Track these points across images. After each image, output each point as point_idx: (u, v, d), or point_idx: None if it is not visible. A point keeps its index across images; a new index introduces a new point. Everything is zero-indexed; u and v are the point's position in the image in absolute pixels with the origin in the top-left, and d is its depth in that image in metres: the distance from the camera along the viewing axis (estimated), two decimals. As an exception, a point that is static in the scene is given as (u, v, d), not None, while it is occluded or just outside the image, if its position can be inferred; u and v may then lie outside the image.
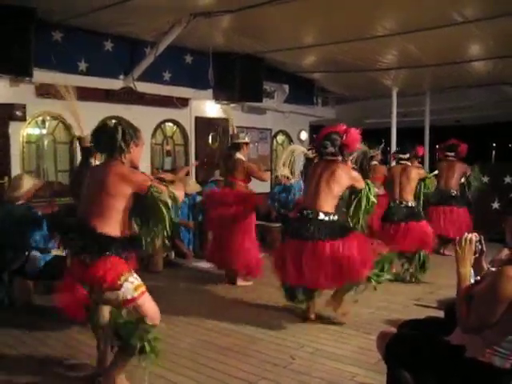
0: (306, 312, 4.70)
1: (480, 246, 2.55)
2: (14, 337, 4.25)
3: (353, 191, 4.62)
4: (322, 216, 4.37)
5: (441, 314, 3.27)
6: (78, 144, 4.92)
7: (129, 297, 3.00)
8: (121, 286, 2.98)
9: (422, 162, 7.93)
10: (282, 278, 4.58)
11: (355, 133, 4.55)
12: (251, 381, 3.45)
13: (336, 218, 4.45)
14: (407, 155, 6.34)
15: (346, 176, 4.46)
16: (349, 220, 4.64)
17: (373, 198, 4.60)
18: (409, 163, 6.30)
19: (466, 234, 2.55)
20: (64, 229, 3.23)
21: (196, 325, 4.53)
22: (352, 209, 4.63)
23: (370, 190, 4.60)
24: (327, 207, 4.41)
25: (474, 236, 2.53)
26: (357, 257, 4.24)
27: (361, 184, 4.55)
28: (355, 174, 4.57)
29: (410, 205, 6.13)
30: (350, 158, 4.68)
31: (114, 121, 3.46)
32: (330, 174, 4.43)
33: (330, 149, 4.52)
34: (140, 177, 3.16)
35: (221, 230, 5.97)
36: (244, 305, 5.25)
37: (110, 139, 3.11)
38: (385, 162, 8.24)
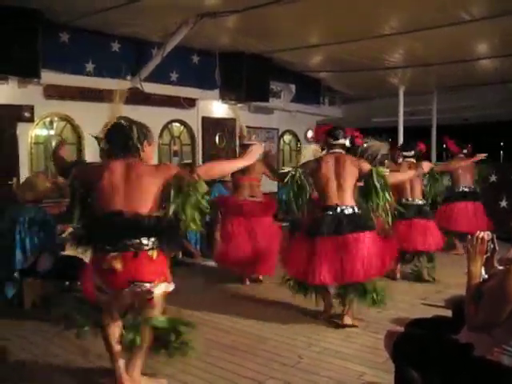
0: (324, 313, 4.69)
1: (492, 245, 2.55)
2: (23, 336, 4.28)
3: (365, 180, 4.50)
4: (356, 209, 4.42)
5: (448, 313, 3.26)
6: (98, 143, 4.92)
7: (170, 288, 3.13)
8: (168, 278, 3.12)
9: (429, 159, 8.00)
10: (306, 278, 4.40)
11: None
12: (259, 380, 3.46)
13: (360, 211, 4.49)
14: (412, 153, 6.33)
15: (355, 168, 4.46)
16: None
17: (383, 172, 4.44)
18: (414, 161, 6.28)
19: (479, 232, 2.55)
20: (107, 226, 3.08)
21: (204, 324, 4.53)
22: (370, 195, 4.49)
23: (376, 170, 4.48)
24: (353, 201, 4.45)
25: (487, 235, 2.53)
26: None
27: (367, 165, 4.51)
28: (361, 161, 4.56)
29: (420, 202, 6.17)
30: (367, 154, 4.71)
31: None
32: (343, 169, 4.44)
33: (342, 140, 4.54)
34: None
35: (240, 237, 5.84)
36: (252, 304, 5.27)
37: (125, 138, 3.14)
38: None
